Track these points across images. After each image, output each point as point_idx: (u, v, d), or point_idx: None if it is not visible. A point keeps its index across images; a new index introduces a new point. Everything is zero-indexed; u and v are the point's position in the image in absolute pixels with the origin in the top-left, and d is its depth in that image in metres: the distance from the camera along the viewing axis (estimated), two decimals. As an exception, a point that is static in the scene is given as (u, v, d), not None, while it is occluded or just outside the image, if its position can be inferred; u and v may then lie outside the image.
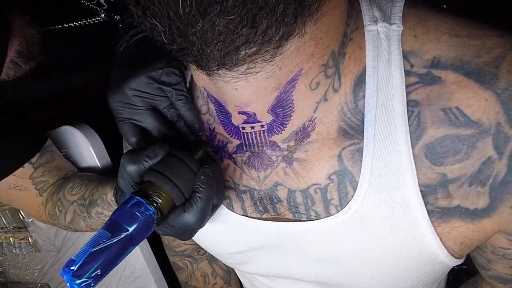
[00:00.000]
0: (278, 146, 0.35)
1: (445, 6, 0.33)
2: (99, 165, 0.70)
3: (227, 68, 0.26)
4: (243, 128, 0.34)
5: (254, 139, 0.35)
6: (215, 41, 0.23)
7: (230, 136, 0.36)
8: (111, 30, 0.50)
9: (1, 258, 0.99)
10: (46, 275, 0.92)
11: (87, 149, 0.70)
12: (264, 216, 0.39)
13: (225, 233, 0.42)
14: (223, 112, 0.34)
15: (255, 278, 0.53)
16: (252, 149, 0.36)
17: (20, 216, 0.87)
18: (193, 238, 0.47)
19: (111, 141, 0.70)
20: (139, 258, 0.76)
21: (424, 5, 0.33)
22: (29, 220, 0.86)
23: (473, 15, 0.32)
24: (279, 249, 0.41)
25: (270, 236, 0.40)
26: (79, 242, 0.79)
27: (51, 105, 0.75)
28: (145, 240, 0.76)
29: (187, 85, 0.43)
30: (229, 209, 0.40)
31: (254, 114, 0.32)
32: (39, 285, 0.94)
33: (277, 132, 0.33)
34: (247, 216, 0.40)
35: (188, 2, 0.21)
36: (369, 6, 0.32)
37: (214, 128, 0.39)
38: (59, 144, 0.73)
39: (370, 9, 0.32)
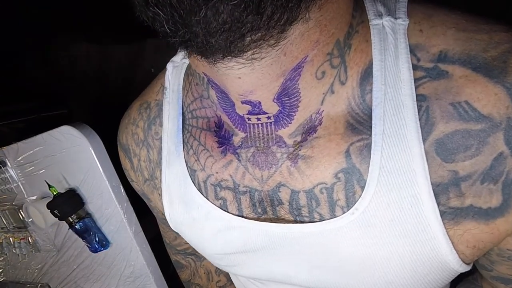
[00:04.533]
0: (284, 141, 0.34)
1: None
2: (99, 165, 0.70)
3: (233, 56, 0.26)
4: (249, 119, 0.33)
5: (260, 132, 0.34)
6: (220, 30, 0.23)
7: (235, 128, 0.35)
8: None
9: (1, 258, 0.99)
10: (46, 275, 0.92)
11: (87, 149, 0.70)
12: (262, 217, 0.38)
13: (217, 233, 0.41)
14: (226, 101, 0.32)
15: (250, 282, 0.51)
16: (257, 144, 0.35)
17: (20, 216, 0.87)
18: (183, 236, 0.46)
19: (111, 141, 0.70)
20: (139, 258, 0.76)
21: (428, 1, 0.33)
22: (29, 220, 0.85)
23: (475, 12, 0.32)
24: (276, 252, 0.39)
25: (268, 238, 0.38)
26: (79, 242, 0.79)
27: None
28: (145, 240, 0.76)
29: (183, 72, 0.42)
30: (222, 209, 0.39)
31: (259, 103, 0.31)
32: (39, 285, 0.94)
33: (284, 125, 0.33)
34: (243, 216, 0.38)
35: None
36: (372, 2, 0.32)
37: (220, 116, 0.37)
38: (59, 144, 0.73)
39: (374, 4, 0.32)
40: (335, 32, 0.28)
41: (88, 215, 0.76)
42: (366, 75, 0.31)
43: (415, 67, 0.30)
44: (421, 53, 0.30)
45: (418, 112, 0.30)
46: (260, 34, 0.24)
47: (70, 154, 0.72)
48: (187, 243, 0.57)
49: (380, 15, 0.31)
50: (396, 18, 0.31)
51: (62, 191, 0.74)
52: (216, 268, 0.61)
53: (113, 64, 1.61)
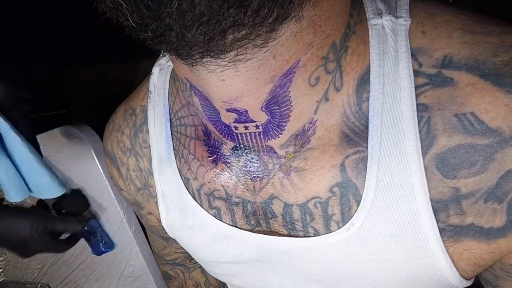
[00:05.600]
0: (275, 152, 0.32)
1: (451, 1, 0.31)
2: (99, 166, 0.70)
3: (213, 56, 0.22)
4: (236, 127, 0.30)
5: (249, 141, 0.31)
6: (197, 23, 0.19)
7: (223, 137, 0.33)
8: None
9: (1, 258, 0.99)
10: (46, 275, 0.92)
11: (87, 149, 0.70)
12: (255, 229, 0.36)
13: (213, 241, 0.39)
14: (210, 108, 0.30)
15: None
16: (248, 154, 0.33)
17: (20, 216, 0.87)
18: (180, 243, 0.44)
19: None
20: (139, 258, 0.76)
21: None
22: (29, 220, 0.85)
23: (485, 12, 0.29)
24: (271, 265, 0.37)
25: (262, 250, 0.36)
26: (79, 242, 0.79)
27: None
28: (145, 240, 0.76)
29: (169, 75, 0.40)
30: (217, 218, 0.37)
31: (246, 111, 0.28)
32: (39, 285, 0.94)
33: (274, 135, 0.30)
34: (237, 227, 0.37)
35: None
36: None
37: (206, 125, 0.34)
38: (59, 144, 0.73)
39: (373, 1, 0.29)
40: (331, 34, 0.25)
41: (93, 216, 0.76)
42: (363, 82, 0.29)
43: (416, 73, 0.28)
44: (423, 57, 0.28)
45: (419, 123, 0.28)
46: (244, 32, 0.21)
47: (70, 154, 0.72)
48: (176, 253, 0.55)
49: (380, 14, 0.29)
50: (397, 17, 0.28)
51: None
52: (206, 280, 0.59)
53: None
